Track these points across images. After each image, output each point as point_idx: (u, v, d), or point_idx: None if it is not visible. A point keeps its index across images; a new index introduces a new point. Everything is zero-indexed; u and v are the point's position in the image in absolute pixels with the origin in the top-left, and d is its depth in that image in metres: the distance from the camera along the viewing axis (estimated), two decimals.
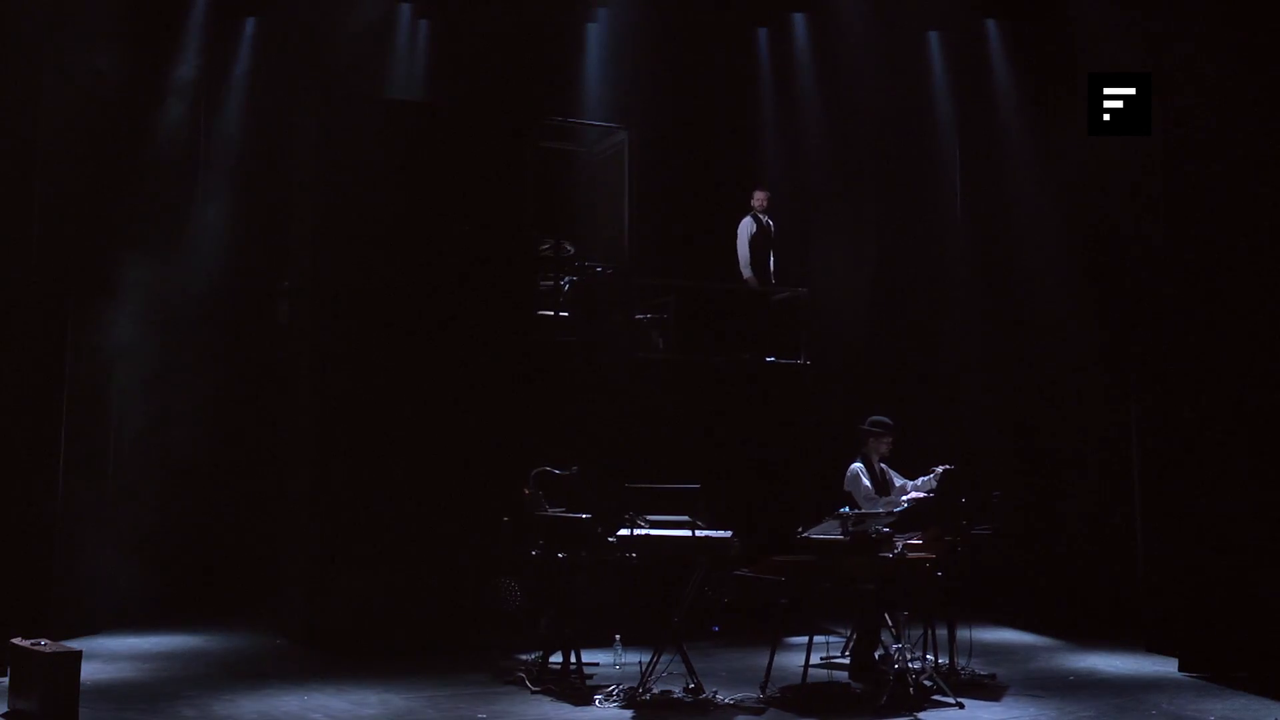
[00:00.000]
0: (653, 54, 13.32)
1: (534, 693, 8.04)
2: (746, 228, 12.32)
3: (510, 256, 10.58)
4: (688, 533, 8.03)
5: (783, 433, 11.56)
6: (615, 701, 7.69)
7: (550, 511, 8.81)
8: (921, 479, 9.00)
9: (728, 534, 8.10)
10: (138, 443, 11.36)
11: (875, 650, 8.20)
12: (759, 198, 12.36)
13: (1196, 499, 8.97)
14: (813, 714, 7.57)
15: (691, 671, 7.87)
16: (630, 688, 7.83)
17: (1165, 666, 9.10)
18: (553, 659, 8.63)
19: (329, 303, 10.11)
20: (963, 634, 8.59)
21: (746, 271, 12.21)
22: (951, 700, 7.76)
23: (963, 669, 8.48)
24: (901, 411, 10.33)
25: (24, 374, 9.08)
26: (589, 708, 7.61)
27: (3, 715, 7.22)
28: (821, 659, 9.06)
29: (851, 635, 9.13)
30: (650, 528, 8.13)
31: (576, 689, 8.06)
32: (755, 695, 7.92)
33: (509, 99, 12.30)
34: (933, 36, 13.42)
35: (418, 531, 9.94)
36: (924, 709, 7.60)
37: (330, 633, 9.56)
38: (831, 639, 9.39)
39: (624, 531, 8.02)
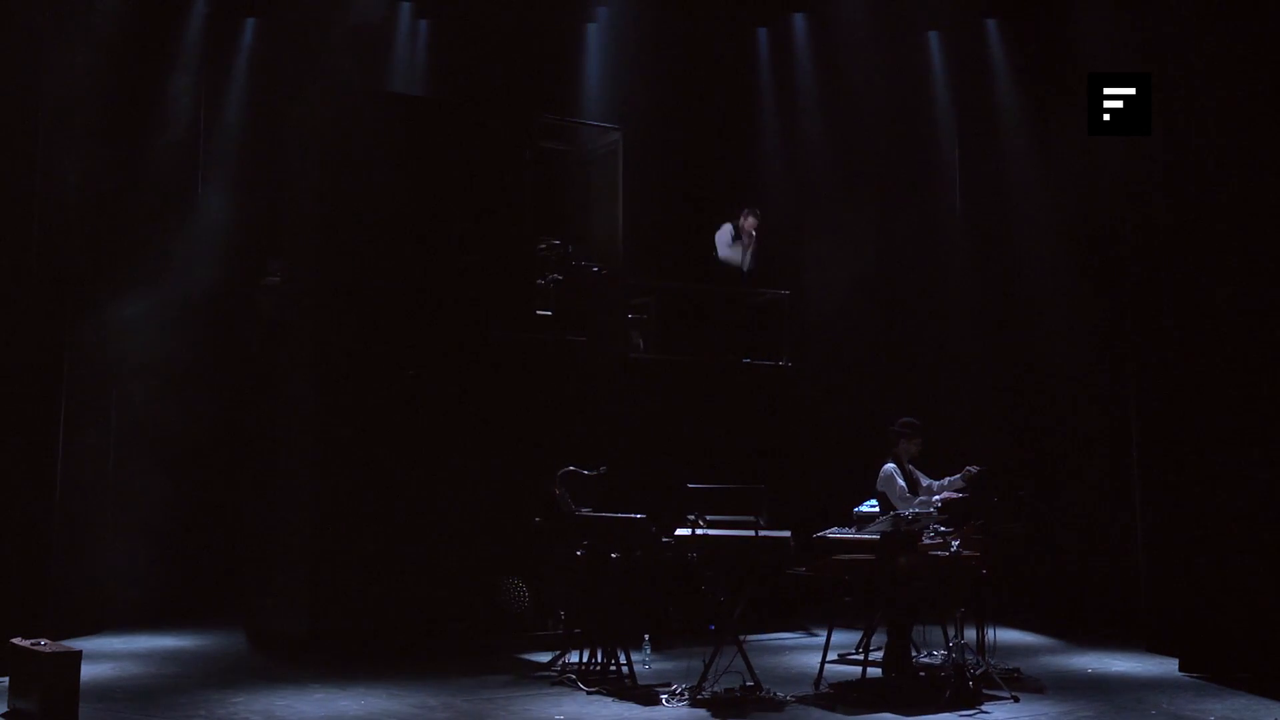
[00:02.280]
0: (652, 54, 13.33)
1: (590, 693, 8.01)
2: (726, 235, 12.04)
3: (508, 255, 10.57)
4: (750, 533, 8.08)
5: (771, 434, 11.65)
6: (682, 701, 7.69)
7: (581, 511, 8.86)
8: (949, 479, 9.11)
9: (786, 534, 8.20)
10: (137, 441, 11.37)
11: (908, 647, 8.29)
12: (750, 223, 11.97)
13: (1196, 499, 8.97)
14: (883, 709, 7.58)
15: (751, 670, 7.89)
16: (689, 687, 7.84)
17: (1165, 666, 9.09)
18: (573, 656, 8.71)
19: (329, 298, 10.07)
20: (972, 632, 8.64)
21: (738, 258, 12.01)
22: (1007, 694, 7.89)
23: (990, 665, 8.52)
24: (901, 411, 10.31)
25: (21, 372, 9.07)
26: (659, 707, 7.60)
27: (3, 715, 7.22)
28: (839, 656, 9.17)
29: (868, 633, 9.24)
30: (708, 528, 8.18)
31: (628, 689, 8.05)
32: (809, 692, 7.99)
33: (508, 98, 12.30)
34: (933, 36, 13.43)
35: (417, 532, 9.90)
36: (983, 703, 7.72)
37: (334, 635, 9.48)
38: (815, 637, 9.41)
39: (683, 531, 8.06)
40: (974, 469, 9.01)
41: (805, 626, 10.91)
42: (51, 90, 9.47)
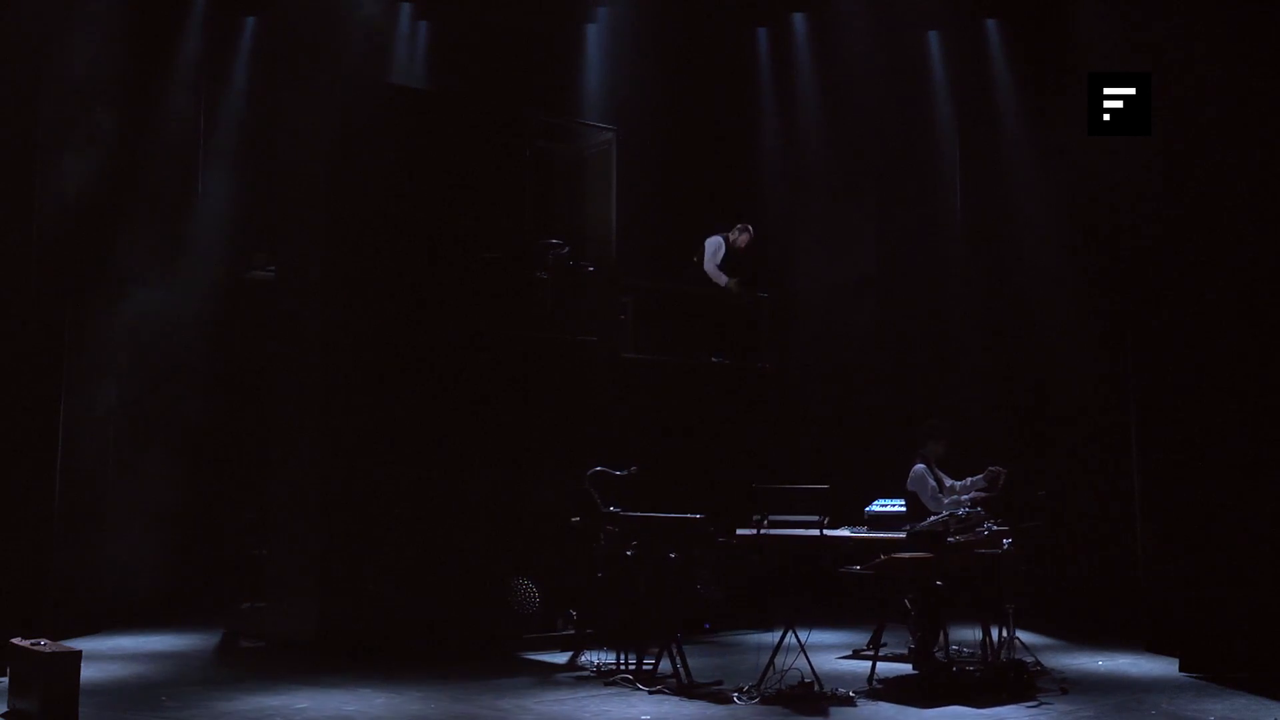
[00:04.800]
0: (652, 54, 13.35)
1: (652, 693, 8.00)
2: (715, 247, 12.02)
3: (505, 253, 10.56)
4: (814, 532, 8.27)
5: (754, 436, 11.78)
6: (753, 699, 7.71)
7: (611, 509, 8.97)
8: (971, 479, 9.22)
9: (846, 533, 8.46)
10: (139, 438, 11.35)
11: (936, 643, 8.41)
12: (743, 239, 12.03)
13: (1196, 498, 8.97)
14: (952, 702, 7.67)
15: (812, 668, 7.92)
16: (753, 685, 7.87)
17: (1165, 666, 9.09)
18: (586, 656, 8.76)
19: (335, 295, 10.00)
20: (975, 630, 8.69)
21: (723, 280, 12.03)
22: (1055, 687, 8.10)
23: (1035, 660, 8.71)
24: (901, 411, 10.33)
25: (20, 374, 9.05)
26: (734, 705, 7.62)
27: (3, 715, 7.21)
28: (853, 651, 9.34)
29: (879, 629, 9.35)
30: (771, 528, 8.34)
31: (687, 687, 8.04)
32: (863, 688, 8.05)
33: (507, 98, 12.30)
34: (933, 36, 13.44)
35: (423, 532, 9.86)
36: (1037, 694, 7.91)
37: (342, 636, 9.40)
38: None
39: (747, 531, 8.10)
40: (996, 469, 9.07)
41: (768, 624, 10.89)
42: (52, 82, 9.48)
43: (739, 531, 8.35)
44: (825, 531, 8.48)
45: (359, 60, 12.59)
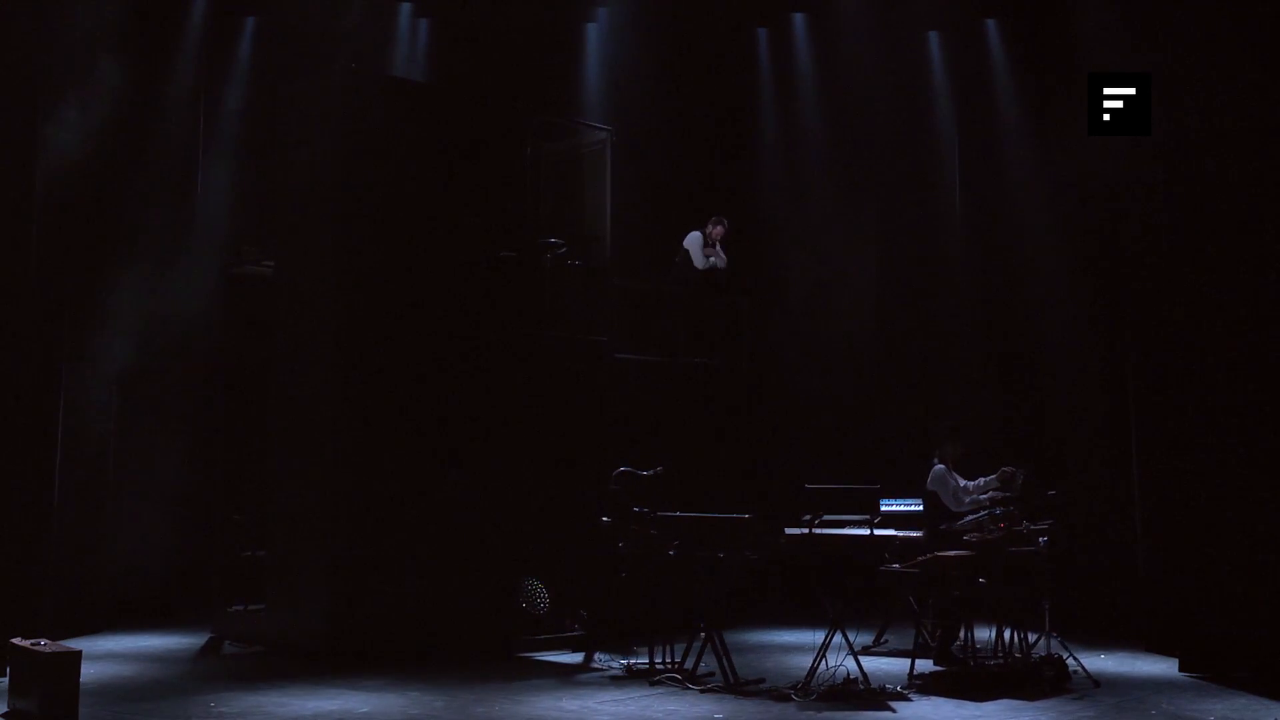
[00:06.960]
0: (652, 54, 13.35)
1: (703, 691, 8.02)
2: (695, 243, 11.98)
3: (520, 253, 10.56)
4: (865, 530, 8.51)
5: (743, 436, 11.90)
6: (809, 695, 7.74)
7: (635, 509, 9.01)
8: (983, 479, 9.26)
9: (894, 533, 8.69)
10: (139, 438, 11.32)
11: (955, 640, 8.51)
12: (718, 231, 11.99)
13: (1196, 498, 8.97)
14: (1000, 696, 7.77)
15: (860, 667, 7.97)
16: (801, 683, 7.91)
17: (1165, 666, 9.10)
18: (598, 656, 8.82)
19: (345, 293, 9.92)
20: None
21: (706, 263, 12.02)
22: (1089, 683, 8.31)
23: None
24: (901, 411, 10.30)
25: (19, 376, 9.04)
26: (794, 702, 7.66)
27: (3, 715, 7.21)
28: (861, 648, 9.28)
29: (884, 627, 9.59)
30: (821, 527, 8.49)
31: (735, 685, 8.07)
32: (904, 684, 8.13)
33: (507, 98, 12.28)
34: (933, 36, 13.44)
35: (429, 532, 9.79)
36: (1073, 689, 8.13)
37: (350, 637, 9.33)
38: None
39: (795, 530, 8.18)
40: (1010, 469, 9.16)
41: (741, 624, 10.90)
42: (52, 76, 9.50)
43: (788, 530, 8.46)
44: (875, 531, 8.67)
45: (359, 54, 12.56)
